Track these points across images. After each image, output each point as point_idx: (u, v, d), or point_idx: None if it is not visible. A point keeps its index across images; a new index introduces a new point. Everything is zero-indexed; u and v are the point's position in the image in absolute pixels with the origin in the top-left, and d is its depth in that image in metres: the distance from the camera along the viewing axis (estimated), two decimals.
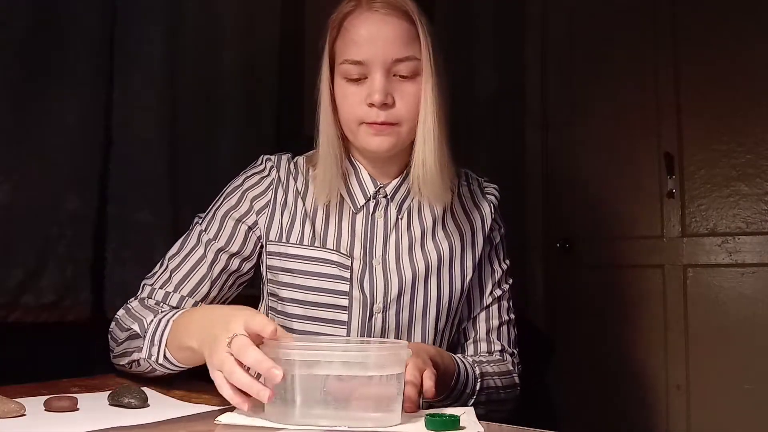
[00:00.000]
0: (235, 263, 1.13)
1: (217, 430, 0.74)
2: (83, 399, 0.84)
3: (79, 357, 1.44)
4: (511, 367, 1.18)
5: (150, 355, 0.98)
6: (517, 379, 1.18)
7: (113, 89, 1.54)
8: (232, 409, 0.81)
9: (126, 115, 1.56)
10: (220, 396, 0.82)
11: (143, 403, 0.83)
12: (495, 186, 1.24)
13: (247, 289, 1.20)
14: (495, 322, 1.19)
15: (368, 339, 1.06)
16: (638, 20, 2.58)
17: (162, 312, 1.02)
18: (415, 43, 1.05)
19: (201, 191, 1.59)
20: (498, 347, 1.19)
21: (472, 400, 1.06)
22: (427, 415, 0.77)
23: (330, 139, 1.10)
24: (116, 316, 1.11)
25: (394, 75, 1.05)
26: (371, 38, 1.04)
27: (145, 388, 0.89)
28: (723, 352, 2.32)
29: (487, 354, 1.18)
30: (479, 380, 1.08)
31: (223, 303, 1.15)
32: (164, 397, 0.90)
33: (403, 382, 0.80)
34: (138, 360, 1.01)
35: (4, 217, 1.31)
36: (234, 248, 1.12)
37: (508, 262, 1.24)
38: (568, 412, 2.52)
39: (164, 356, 0.96)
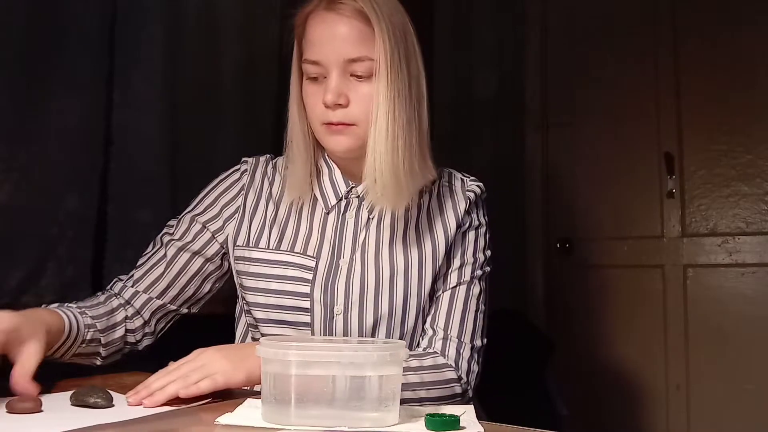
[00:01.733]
0: (198, 262, 1.13)
1: (216, 430, 0.74)
2: (46, 400, 0.83)
3: None
4: (446, 361, 1.08)
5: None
6: (453, 374, 1.07)
7: (113, 89, 1.54)
8: (227, 410, 0.82)
9: (126, 115, 1.56)
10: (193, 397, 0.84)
11: (109, 402, 0.82)
12: (479, 183, 1.20)
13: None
14: (443, 311, 1.11)
15: (366, 339, 1.06)
16: (638, 20, 2.58)
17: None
18: (370, 43, 1.04)
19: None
20: (440, 335, 1.10)
21: None
22: (427, 415, 0.77)
23: (299, 137, 1.10)
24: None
25: (351, 75, 1.05)
26: (325, 38, 1.04)
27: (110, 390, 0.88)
28: (723, 352, 2.33)
29: (427, 345, 1.10)
30: None
31: (195, 302, 1.17)
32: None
33: (401, 382, 0.80)
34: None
35: (4, 217, 1.31)
36: (195, 247, 1.13)
37: (481, 255, 1.16)
38: (568, 412, 2.52)
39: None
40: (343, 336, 1.07)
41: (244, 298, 1.12)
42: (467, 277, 1.14)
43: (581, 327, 2.61)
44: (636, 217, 2.54)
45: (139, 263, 1.15)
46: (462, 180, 1.21)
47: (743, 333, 2.29)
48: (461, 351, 1.10)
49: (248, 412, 0.80)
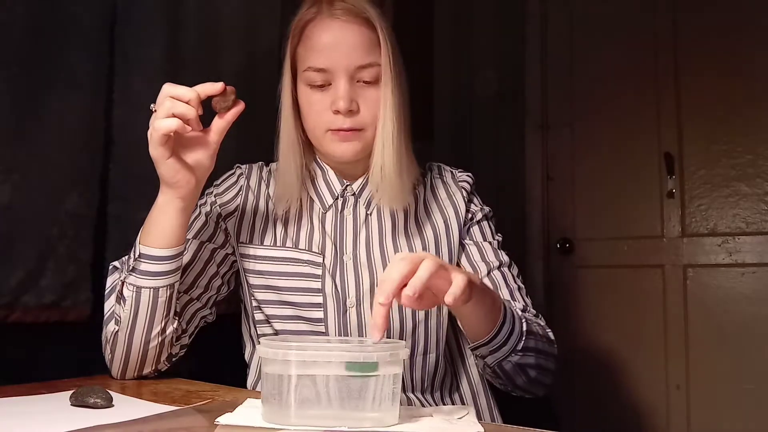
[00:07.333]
0: (208, 251, 1.12)
1: (216, 430, 0.74)
2: (46, 400, 0.83)
3: (79, 357, 1.44)
4: (542, 323, 1.12)
5: (129, 266, 0.99)
6: (552, 335, 1.12)
7: (113, 89, 1.54)
8: (227, 410, 0.82)
9: (126, 115, 1.56)
10: (191, 396, 0.84)
11: (109, 402, 0.82)
12: (469, 174, 1.24)
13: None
14: (505, 291, 1.14)
15: (366, 339, 1.06)
16: (638, 20, 2.58)
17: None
18: (376, 49, 1.06)
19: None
20: (520, 306, 1.12)
21: (521, 345, 0.99)
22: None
23: (292, 146, 1.10)
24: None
25: (357, 81, 1.07)
26: (334, 45, 1.05)
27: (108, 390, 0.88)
28: (723, 352, 2.33)
29: None
30: (523, 321, 1.01)
31: (212, 298, 1.15)
32: (128, 398, 0.89)
33: (401, 382, 0.80)
34: (122, 291, 1.00)
35: (4, 217, 1.31)
36: (205, 236, 1.13)
37: (499, 237, 1.22)
38: (568, 412, 2.52)
39: (140, 253, 0.98)
40: (358, 329, 1.08)
41: (252, 296, 1.12)
42: (506, 258, 1.18)
43: (581, 327, 2.61)
44: (636, 217, 2.54)
45: None
46: (452, 172, 1.25)
47: (743, 333, 2.29)
48: (539, 320, 1.14)
49: (248, 412, 0.80)
